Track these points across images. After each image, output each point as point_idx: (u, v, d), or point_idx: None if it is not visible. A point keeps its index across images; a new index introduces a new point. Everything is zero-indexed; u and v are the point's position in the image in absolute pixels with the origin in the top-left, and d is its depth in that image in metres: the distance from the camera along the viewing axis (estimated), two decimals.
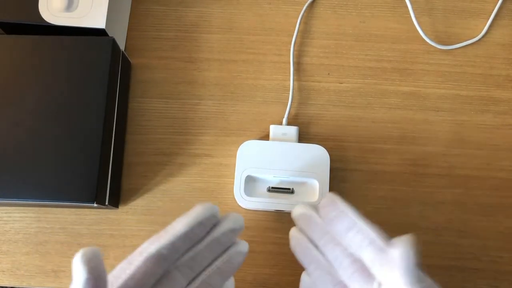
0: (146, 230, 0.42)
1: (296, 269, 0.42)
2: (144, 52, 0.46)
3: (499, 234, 0.42)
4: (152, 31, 0.47)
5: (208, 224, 0.31)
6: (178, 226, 0.30)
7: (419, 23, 0.46)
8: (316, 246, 0.33)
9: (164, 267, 0.29)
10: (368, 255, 0.30)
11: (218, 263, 0.32)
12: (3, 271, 0.41)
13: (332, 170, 0.41)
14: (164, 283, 0.29)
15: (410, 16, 0.46)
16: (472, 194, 0.43)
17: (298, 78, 0.45)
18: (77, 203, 0.37)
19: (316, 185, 0.41)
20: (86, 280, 0.25)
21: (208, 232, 0.32)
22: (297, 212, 0.35)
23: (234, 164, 0.41)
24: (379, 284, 0.29)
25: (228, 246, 0.33)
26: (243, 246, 0.33)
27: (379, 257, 0.29)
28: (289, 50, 0.46)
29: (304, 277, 0.34)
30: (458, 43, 0.46)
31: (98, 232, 0.42)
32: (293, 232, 0.35)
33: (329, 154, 0.41)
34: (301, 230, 0.35)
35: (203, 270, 0.31)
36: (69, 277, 0.41)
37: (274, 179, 0.42)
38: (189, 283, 0.30)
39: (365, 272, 0.30)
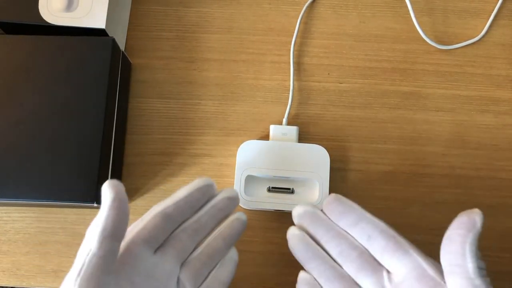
0: None
1: (296, 268, 0.42)
2: (144, 52, 0.46)
3: (499, 234, 0.42)
4: (152, 31, 0.47)
5: (206, 192, 0.34)
6: (180, 191, 0.33)
7: (419, 23, 0.46)
8: (318, 244, 0.33)
9: (170, 226, 0.32)
10: (379, 243, 0.30)
11: (221, 228, 0.34)
12: (3, 271, 0.41)
13: (332, 170, 0.41)
14: (171, 243, 0.31)
15: (410, 16, 0.46)
16: (472, 194, 0.43)
17: (298, 78, 0.45)
18: (77, 203, 0.37)
19: (316, 185, 0.41)
20: (113, 199, 0.28)
21: (207, 201, 0.34)
22: (299, 210, 0.35)
23: (234, 164, 0.41)
24: (388, 272, 0.29)
25: (227, 213, 0.35)
26: (241, 214, 0.36)
27: (391, 243, 0.30)
28: (289, 50, 0.46)
29: (302, 275, 0.34)
30: (458, 43, 0.46)
31: None
32: (292, 230, 0.35)
33: (329, 154, 0.41)
34: (302, 228, 0.35)
35: (208, 234, 0.33)
36: None
37: (274, 179, 0.42)
38: (196, 247, 0.33)
39: (374, 263, 0.30)
